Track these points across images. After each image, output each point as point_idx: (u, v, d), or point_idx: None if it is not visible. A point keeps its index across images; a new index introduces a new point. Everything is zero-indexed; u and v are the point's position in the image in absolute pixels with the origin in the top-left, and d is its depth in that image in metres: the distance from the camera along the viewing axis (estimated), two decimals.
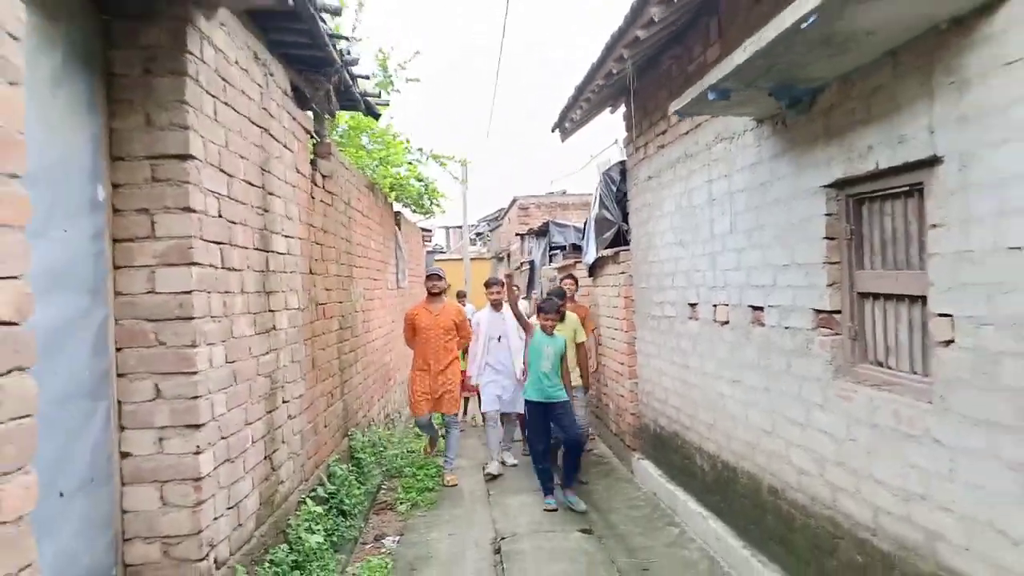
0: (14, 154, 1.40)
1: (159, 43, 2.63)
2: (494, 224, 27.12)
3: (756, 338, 3.69)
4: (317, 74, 4.28)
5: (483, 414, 6.79)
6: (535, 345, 5.43)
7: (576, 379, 5.95)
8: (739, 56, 2.63)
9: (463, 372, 6.54)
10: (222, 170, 3.00)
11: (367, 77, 5.49)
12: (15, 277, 1.38)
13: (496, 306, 6.51)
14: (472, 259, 24.40)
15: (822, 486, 3.06)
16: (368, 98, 5.51)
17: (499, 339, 6.47)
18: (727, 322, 4.07)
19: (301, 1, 3.10)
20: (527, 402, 5.54)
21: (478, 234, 33.56)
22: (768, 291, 3.53)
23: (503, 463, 6.48)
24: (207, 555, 2.73)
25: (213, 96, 2.93)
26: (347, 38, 4.48)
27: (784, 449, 3.41)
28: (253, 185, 3.44)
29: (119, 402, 2.63)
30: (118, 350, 2.63)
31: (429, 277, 6.34)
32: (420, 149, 9.03)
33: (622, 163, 6.35)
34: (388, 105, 6.11)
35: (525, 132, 56.42)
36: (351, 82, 4.79)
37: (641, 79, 5.31)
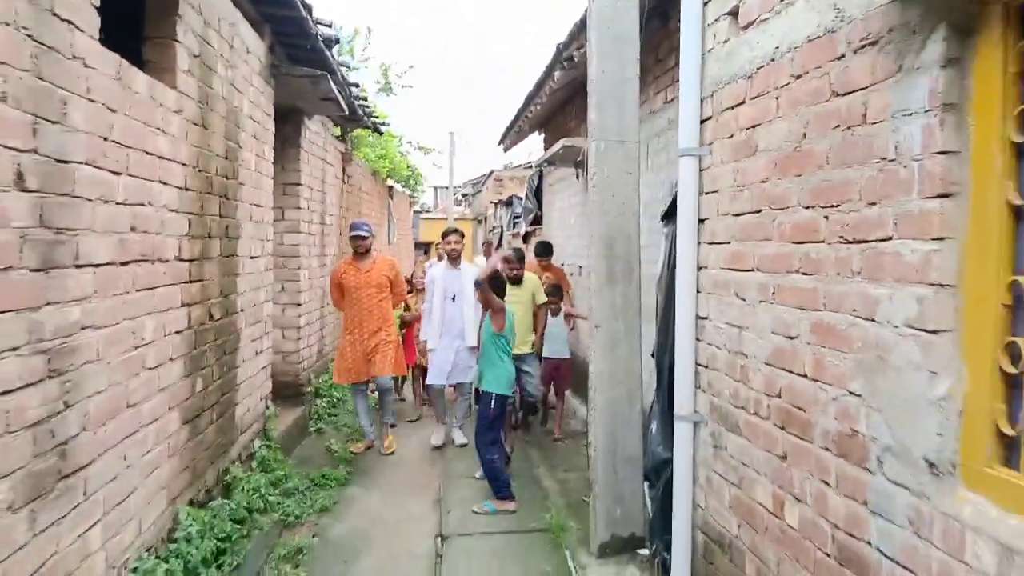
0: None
1: (289, 132, 5.86)
2: (477, 189, 30.20)
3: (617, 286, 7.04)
4: (348, 121, 7.49)
5: (426, 387, 6.05)
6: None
7: (528, 346, 5.50)
8: (549, 152, 5.90)
9: (409, 336, 6.11)
10: (310, 187, 6.27)
11: (371, 111, 8.54)
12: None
13: (453, 260, 5.65)
14: (456, 219, 27.45)
15: None
16: (375, 120, 8.68)
17: (453, 298, 5.57)
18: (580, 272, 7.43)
19: (351, 104, 6.32)
20: (495, 394, 4.57)
21: (464, 195, 36.55)
22: (582, 256, 6.86)
23: (452, 442, 5.76)
24: (301, 363, 6.11)
25: (308, 152, 6.17)
26: (365, 98, 7.61)
27: None
28: (318, 190, 6.70)
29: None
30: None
31: (352, 236, 5.40)
32: (410, 142, 12.24)
33: (540, 169, 9.60)
34: (388, 125, 9.25)
35: (511, 107, 59.14)
36: (366, 118, 7.96)
37: (552, 118, 8.52)
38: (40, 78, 2.03)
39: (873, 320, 1.93)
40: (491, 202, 21.35)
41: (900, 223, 1.83)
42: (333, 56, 5.29)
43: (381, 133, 9.20)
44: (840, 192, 2.07)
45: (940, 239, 1.70)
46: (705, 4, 2.93)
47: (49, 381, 2.09)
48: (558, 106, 7.65)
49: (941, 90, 1.68)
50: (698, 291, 3.06)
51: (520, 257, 5.67)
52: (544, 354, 5.86)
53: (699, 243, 3.03)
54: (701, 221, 3.02)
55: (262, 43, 4.55)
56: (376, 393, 5.74)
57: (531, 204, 9.67)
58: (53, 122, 2.10)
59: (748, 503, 2.65)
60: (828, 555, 2.13)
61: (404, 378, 6.97)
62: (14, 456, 1.93)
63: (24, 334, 1.96)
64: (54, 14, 2.11)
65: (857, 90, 1.98)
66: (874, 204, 1.92)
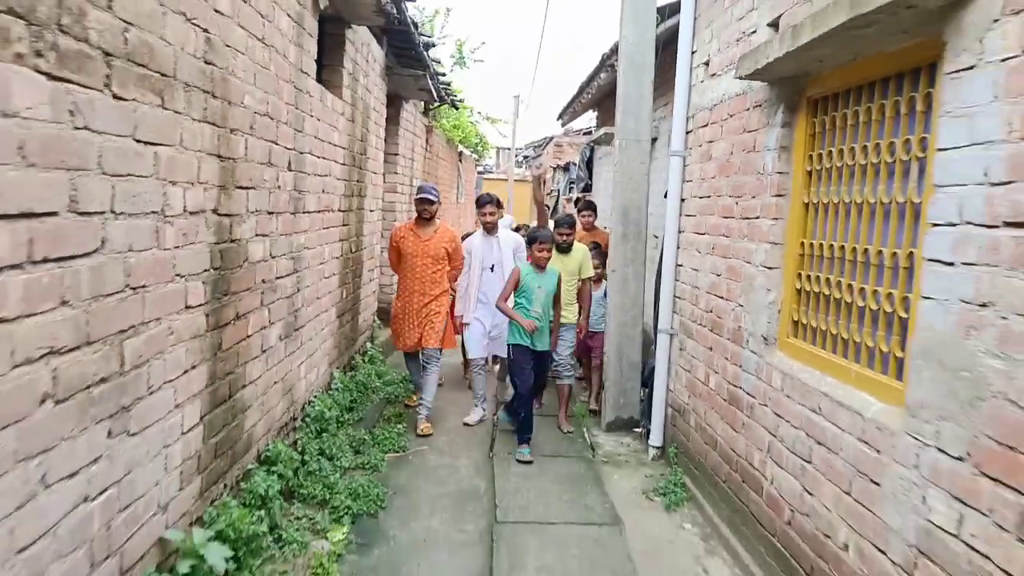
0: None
1: (391, 114, 7.50)
2: (538, 152, 31.46)
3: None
4: (433, 101, 9.11)
5: (468, 360, 5.92)
6: (524, 283, 4.72)
7: (572, 314, 5.30)
8: (595, 135, 7.33)
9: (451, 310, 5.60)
10: (404, 156, 7.95)
11: (452, 93, 10.08)
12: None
13: (490, 229, 5.45)
14: (516, 180, 28.83)
15: None
16: (452, 98, 10.24)
17: (492, 268, 5.46)
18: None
19: (439, 92, 7.91)
20: (510, 345, 4.81)
21: (525, 157, 37.82)
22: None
23: (502, 398, 5.56)
24: (392, 295, 7.90)
25: (404, 128, 7.83)
26: (448, 83, 9.16)
27: None
28: (409, 158, 8.38)
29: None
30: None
31: (419, 200, 5.17)
32: (480, 112, 13.77)
33: (591, 144, 10.99)
34: (462, 101, 10.79)
35: (575, 70, 59.54)
36: (445, 96, 9.53)
37: (603, 101, 9.88)
38: (297, 107, 3.70)
39: (749, 263, 3.43)
40: (550, 167, 22.72)
41: (762, 208, 3.32)
42: (429, 57, 6.86)
43: (457, 108, 10.76)
44: (742, 189, 3.55)
45: (777, 219, 3.19)
46: (693, 53, 4.36)
47: (294, 275, 3.82)
48: (607, 92, 9.03)
49: (781, 138, 3.16)
50: (678, 247, 4.57)
51: (572, 223, 5.42)
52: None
53: (680, 215, 4.53)
54: (682, 200, 4.51)
55: (382, 51, 6.16)
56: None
57: (583, 173, 11.12)
58: (299, 131, 3.77)
59: (693, 380, 4.21)
60: (724, 400, 3.68)
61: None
62: (281, 312, 3.67)
63: (287, 247, 3.68)
64: (301, 71, 3.76)
65: (753, 130, 3.45)
66: (754, 197, 3.41)
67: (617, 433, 5.31)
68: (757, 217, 3.37)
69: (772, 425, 3.10)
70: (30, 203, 1.62)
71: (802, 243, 3.08)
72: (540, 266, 4.75)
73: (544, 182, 27.12)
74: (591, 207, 6.65)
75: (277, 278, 3.53)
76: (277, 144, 3.40)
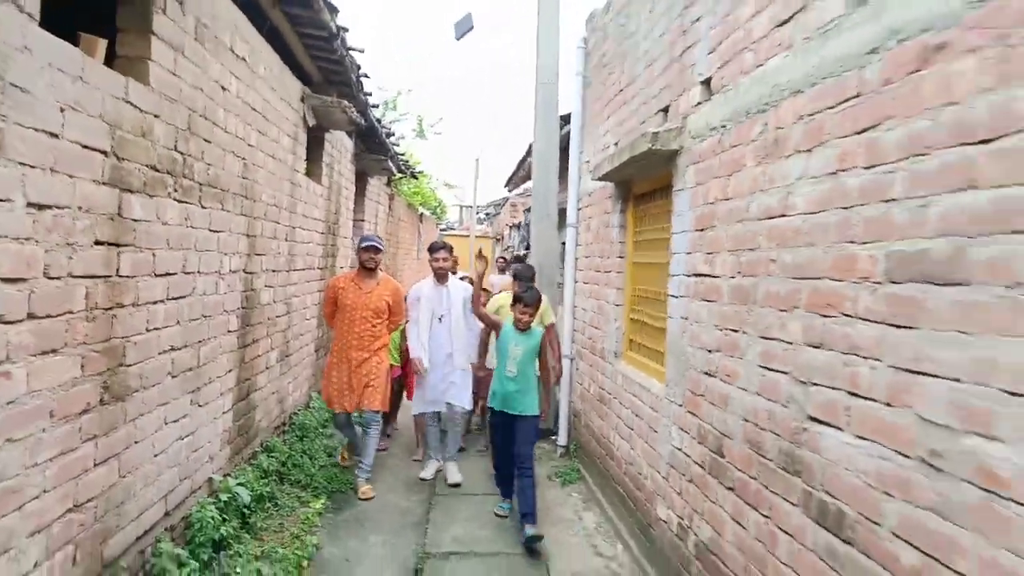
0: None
1: (359, 187, 9.07)
2: (496, 211, 33.57)
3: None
4: (396, 174, 10.73)
5: (414, 417, 5.68)
6: (501, 340, 4.50)
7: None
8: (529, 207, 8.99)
9: (403, 360, 5.60)
10: (369, 221, 9.49)
11: (412, 167, 11.73)
12: None
13: (440, 278, 5.28)
14: (477, 236, 30.59)
15: None
16: (411, 170, 11.90)
17: (440, 319, 5.25)
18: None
19: (400, 168, 9.53)
20: (490, 408, 4.61)
21: (487, 214, 39.88)
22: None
23: (445, 481, 5.30)
24: None
25: (369, 199, 9.38)
26: (407, 161, 10.80)
27: None
28: (372, 222, 9.91)
29: None
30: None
31: (364, 248, 4.96)
32: (438, 179, 15.52)
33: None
34: (422, 172, 12.47)
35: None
36: (404, 170, 11.16)
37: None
38: (292, 196, 5.21)
39: (607, 302, 5.01)
40: (506, 225, 24.60)
41: (613, 265, 4.92)
42: (391, 145, 8.48)
43: (416, 178, 12.42)
44: (604, 252, 5.16)
45: (620, 272, 4.79)
46: (580, 154, 6.04)
47: (286, 315, 5.24)
48: None
49: (620, 220, 4.79)
50: (574, 293, 6.13)
51: (537, 300, 4.63)
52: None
53: (575, 269, 6.11)
54: (576, 259, 6.11)
55: (351, 143, 7.75)
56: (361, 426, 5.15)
57: (525, 234, 12.80)
58: (292, 212, 5.27)
59: (584, 391, 5.71)
60: (597, 400, 5.18)
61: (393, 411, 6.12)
62: (278, 341, 5.07)
63: (283, 295, 5.11)
64: (295, 170, 5.29)
65: (608, 212, 5.08)
66: (608, 259, 5.01)
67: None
68: (609, 272, 4.96)
69: (617, 411, 4.61)
70: (167, 267, 3.08)
71: (633, 288, 4.67)
72: (519, 327, 4.43)
73: (501, 239, 29.06)
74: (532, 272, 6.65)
75: (276, 316, 4.95)
76: (279, 224, 4.89)
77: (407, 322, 5.39)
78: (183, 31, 3.11)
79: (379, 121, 7.79)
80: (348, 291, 4.98)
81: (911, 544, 1.74)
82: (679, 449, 3.44)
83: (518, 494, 4.46)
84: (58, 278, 2.24)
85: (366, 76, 6.15)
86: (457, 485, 5.26)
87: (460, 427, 5.55)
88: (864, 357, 1.96)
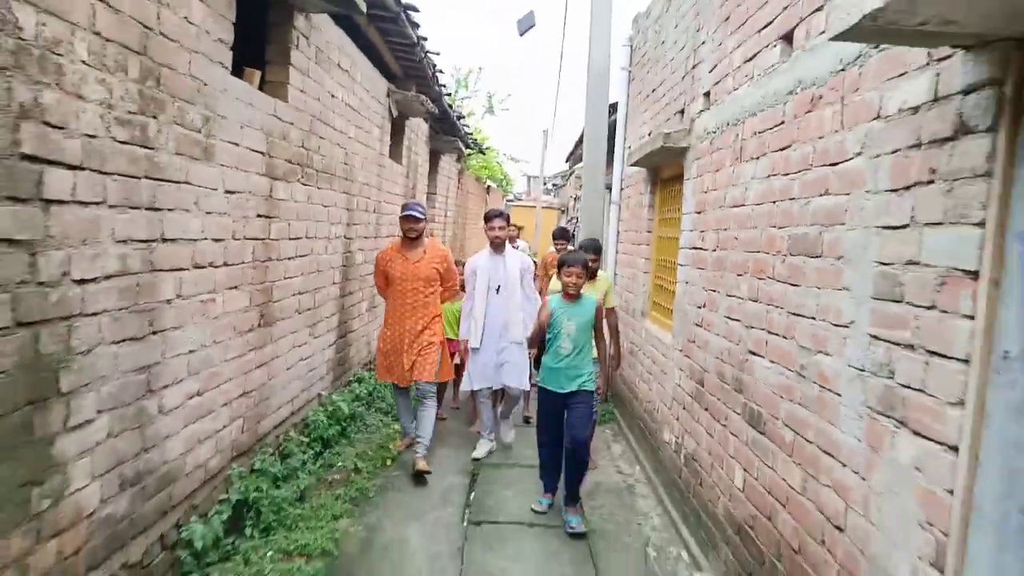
0: None
1: (432, 164, 10.18)
2: (564, 181, 34.21)
3: None
4: (465, 151, 11.78)
5: (470, 392, 5.21)
6: (553, 318, 4.09)
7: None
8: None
9: (454, 340, 5.34)
10: (441, 195, 10.60)
11: (480, 143, 12.73)
12: None
13: (497, 247, 5.09)
14: (544, 207, 31.24)
15: None
16: (478, 146, 12.90)
17: (497, 290, 5.04)
18: None
19: (469, 145, 10.57)
20: (538, 387, 4.26)
21: (554, 184, 40.52)
22: None
23: (500, 444, 5.32)
24: None
25: (441, 174, 10.48)
26: (477, 140, 11.79)
27: None
28: (444, 196, 11.03)
29: None
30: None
31: (403, 217, 4.77)
32: (504, 154, 16.49)
33: None
34: (489, 148, 13.45)
35: None
36: (473, 147, 12.16)
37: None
38: (379, 176, 6.32)
39: (637, 270, 5.90)
40: (571, 196, 25.36)
41: (643, 239, 5.80)
42: (460, 126, 9.50)
43: (484, 153, 13.42)
44: (637, 226, 6.04)
45: (648, 245, 5.67)
46: (624, 141, 6.87)
47: (370, 274, 6.41)
48: None
49: (650, 200, 5.65)
50: (616, 262, 7.02)
51: (598, 248, 5.16)
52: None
53: (617, 241, 6.99)
54: (618, 232, 6.99)
55: (427, 126, 8.81)
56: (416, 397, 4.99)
57: None
58: (379, 189, 6.39)
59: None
60: (630, 353, 6.10)
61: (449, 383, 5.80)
62: (366, 294, 6.24)
63: (372, 256, 6.27)
64: (381, 154, 6.39)
65: (641, 193, 5.94)
66: (639, 232, 5.89)
67: None
68: (640, 244, 5.84)
69: (641, 360, 5.54)
70: (296, 233, 4.22)
71: (657, 258, 5.54)
72: (570, 294, 4.07)
73: (566, 210, 29.75)
74: (564, 235, 6.83)
75: (366, 274, 6.12)
76: (370, 199, 6.02)
77: (464, 297, 5.20)
78: (308, 58, 4.20)
79: (450, 107, 8.81)
80: (395, 262, 4.81)
81: (789, 427, 2.65)
82: (679, 385, 4.37)
83: (566, 479, 4.12)
84: (238, 239, 3.39)
85: (440, 72, 7.16)
86: (509, 446, 5.34)
87: (518, 401, 5.38)
88: (776, 307, 2.84)
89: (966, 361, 1.66)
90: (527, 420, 5.91)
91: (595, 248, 5.12)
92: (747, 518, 3.03)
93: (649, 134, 5.66)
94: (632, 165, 5.71)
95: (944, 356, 1.74)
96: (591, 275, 4.59)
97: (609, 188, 7.45)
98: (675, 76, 4.88)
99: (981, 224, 1.64)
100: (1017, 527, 1.52)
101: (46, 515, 2.13)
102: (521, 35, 8.31)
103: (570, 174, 31.10)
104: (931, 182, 1.84)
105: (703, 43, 4.14)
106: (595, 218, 7.69)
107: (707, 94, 4.05)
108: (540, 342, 4.30)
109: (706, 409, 3.74)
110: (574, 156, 13.01)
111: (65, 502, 2.22)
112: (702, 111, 4.12)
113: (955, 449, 1.69)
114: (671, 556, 3.80)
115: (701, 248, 4.00)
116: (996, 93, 1.63)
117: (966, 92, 1.72)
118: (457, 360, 5.43)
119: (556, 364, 4.11)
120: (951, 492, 1.69)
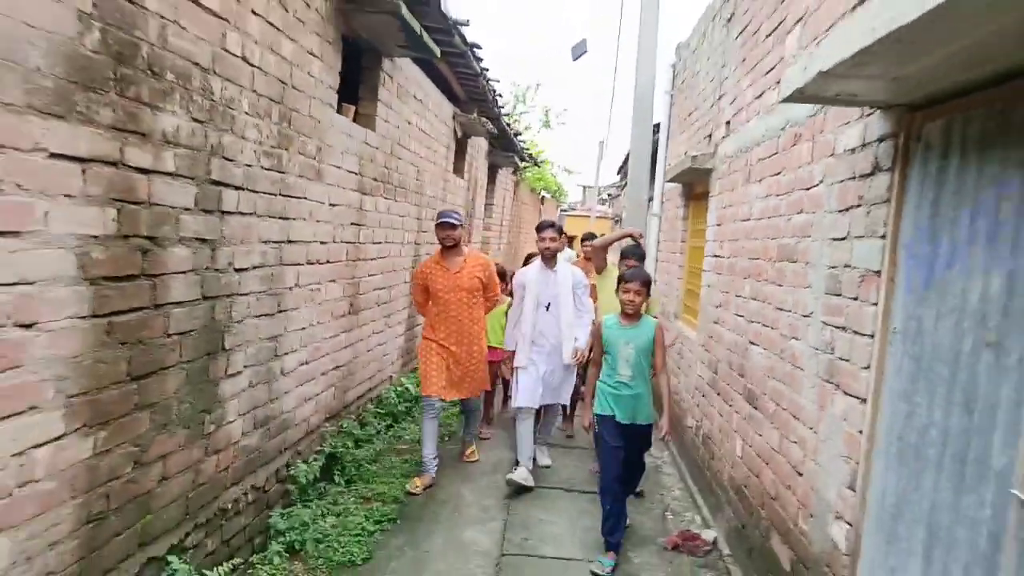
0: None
1: (491, 177, 11.01)
2: (618, 192, 34.69)
3: None
4: (521, 164, 12.59)
5: (516, 408, 4.84)
6: (607, 340, 3.77)
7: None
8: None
9: (498, 348, 5.14)
10: (498, 205, 11.43)
11: (535, 157, 13.53)
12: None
13: (548, 260, 4.82)
14: (598, 217, 31.81)
15: None
16: (534, 160, 13.69)
17: (547, 307, 4.76)
18: None
19: (524, 159, 11.39)
20: (598, 416, 3.82)
21: (609, 195, 40.99)
22: None
23: (535, 465, 4.91)
24: None
25: (498, 185, 11.32)
26: (532, 154, 12.59)
27: None
28: (500, 205, 11.86)
29: None
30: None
31: (439, 225, 4.57)
32: (559, 166, 17.28)
33: None
34: (545, 161, 14.23)
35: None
36: (528, 160, 12.96)
37: None
38: (444, 189, 7.18)
39: (671, 276, 6.53)
40: (624, 207, 25.86)
41: (678, 248, 6.44)
42: (517, 143, 10.31)
43: (539, 166, 14.21)
44: (673, 236, 6.68)
45: (682, 254, 6.31)
46: (665, 159, 7.51)
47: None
48: None
49: (684, 214, 6.29)
50: (655, 269, 7.65)
51: (641, 255, 4.97)
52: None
53: (657, 250, 7.63)
54: (657, 241, 7.63)
55: (486, 143, 9.66)
56: (463, 413, 5.24)
57: None
58: (443, 201, 7.24)
59: None
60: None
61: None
62: None
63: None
64: (447, 170, 7.24)
65: (677, 207, 6.58)
66: (674, 242, 6.53)
67: None
68: (675, 252, 6.48)
69: (673, 357, 6.17)
70: (377, 239, 5.09)
71: (688, 266, 6.17)
72: (627, 314, 3.78)
73: (620, 220, 30.19)
74: (592, 238, 6.49)
75: None
76: (436, 210, 6.86)
77: (510, 305, 4.98)
78: (391, 93, 5.07)
79: (508, 125, 9.63)
80: (436, 275, 4.61)
81: (772, 400, 3.29)
82: (700, 376, 5.00)
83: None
84: (337, 242, 4.25)
85: (499, 95, 7.99)
86: (547, 466, 5.08)
87: (558, 415, 5.39)
88: (768, 303, 3.48)
89: (872, 336, 2.30)
90: (569, 437, 5.88)
91: (640, 255, 4.94)
92: (743, 480, 3.66)
93: (684, 154, 6.30)
94: (669, 181, 6.36)
95: (860, 334, 2.38)
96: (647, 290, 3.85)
97: (651, 200, 8.09)
98: (705, 104, 5.52)
99: (884, 237, 2.29)
100: (896, 452, 2.15)
101: (212, 436, 3.00)
102: (574, 60, 9.06)
103: (623, 185, 31.58)
104: (859, 206, 2.48)
105: (726, 78, 4.79)
106: (637, 226, 8.34)
107: (728, 123, 4.69)
108: (595, 362, 3.95)
109: (718, 394, 4.37)
110: (624, 169, 13.64)
111: (222, 429, 3.09)
112: (724, 137, 4.77)
113: (865, 401, 2.33)
114: (685, 519, 4.43)
115: (720, 256, 4.64)
116: (895, 143, 2.27)
117: (880, 140, 2.37)
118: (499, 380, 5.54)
119: (616, 391, 3.76)
120: (861, 432, 2.33)
